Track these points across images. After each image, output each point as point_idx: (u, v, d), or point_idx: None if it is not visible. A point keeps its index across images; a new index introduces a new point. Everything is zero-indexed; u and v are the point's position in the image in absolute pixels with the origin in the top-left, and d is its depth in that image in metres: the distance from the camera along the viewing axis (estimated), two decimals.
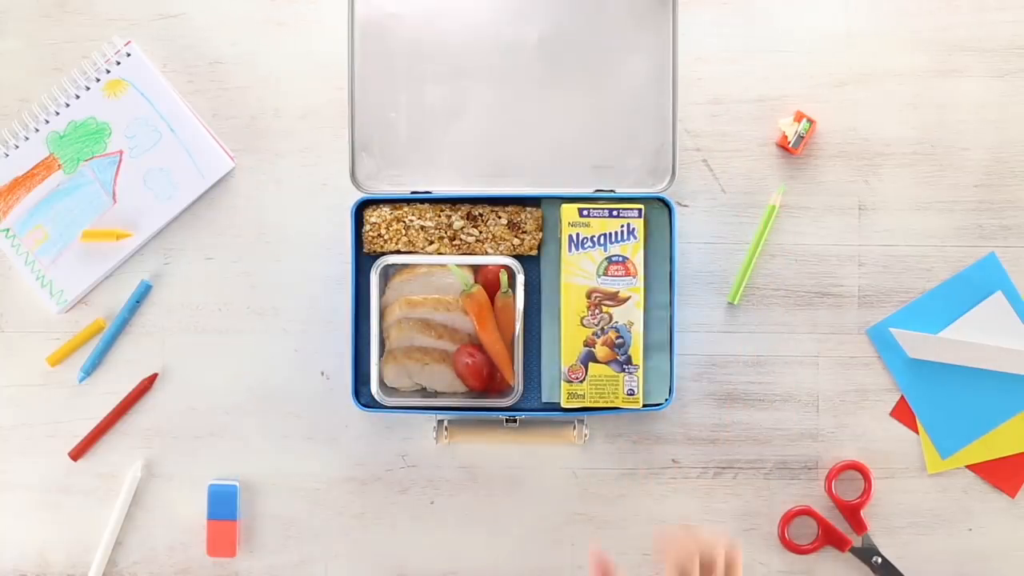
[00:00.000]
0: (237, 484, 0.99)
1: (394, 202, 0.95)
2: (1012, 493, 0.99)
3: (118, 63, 0.99)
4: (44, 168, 0.99)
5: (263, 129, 1.00)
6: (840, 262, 1.00)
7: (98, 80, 0.99)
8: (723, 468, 1.00)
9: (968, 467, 1.00)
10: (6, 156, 0.99)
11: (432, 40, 0.96)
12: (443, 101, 0.96)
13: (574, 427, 0.95)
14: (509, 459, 1.00)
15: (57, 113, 0.99)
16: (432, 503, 1.00)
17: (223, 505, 0.99)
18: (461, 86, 0.96)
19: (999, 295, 1.00)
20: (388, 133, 0.96)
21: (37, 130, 0.99)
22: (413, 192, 0.95)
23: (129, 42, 0.99)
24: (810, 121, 0.98)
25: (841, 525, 0.99)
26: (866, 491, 0.99)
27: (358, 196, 0.95)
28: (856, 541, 0.99)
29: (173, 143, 0.99)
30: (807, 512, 0.99)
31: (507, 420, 0.97)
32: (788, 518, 0.99)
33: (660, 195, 0.95)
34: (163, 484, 1.00)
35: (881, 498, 0.99)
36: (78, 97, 0.99)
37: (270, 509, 1.00)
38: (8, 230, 1.00)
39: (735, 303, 0.99)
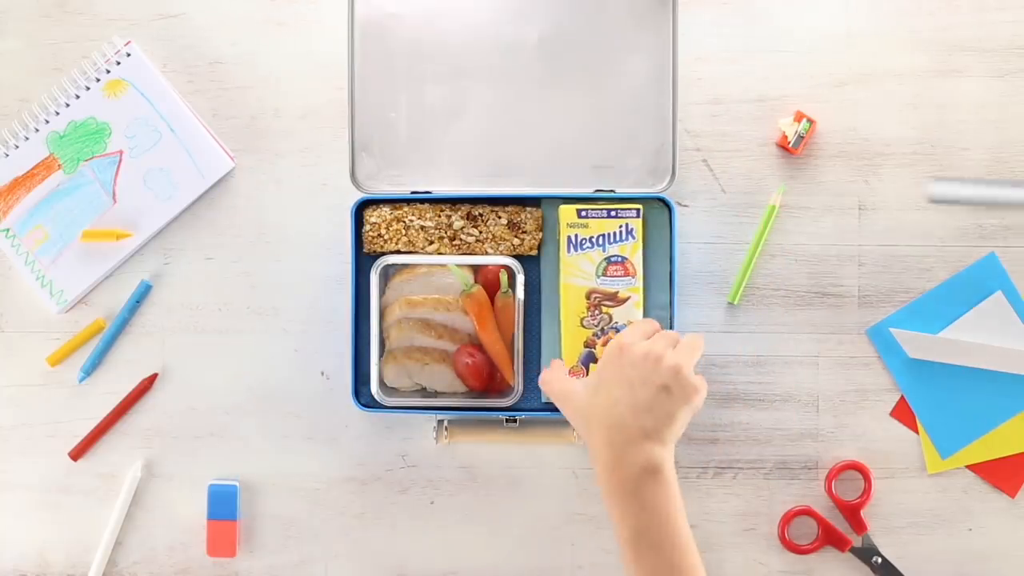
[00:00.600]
0: (237, 484, 0.99)
1: (394, 202, 0.95)
2: (1012, 493, 0.99)
3: (118, 63, 0.98)
4: (44, 168, 0.99)
5: (263, 129, 1.00)
6: (840, 262, 0.99)
7: (98, 80, 0.98)
8: (723, 468, 1.00)
9: (968, 467, 1.00)
10: (6, 156, 0.99)
11: (432, 40, 0.95)
12: (443, 101, 0.96)
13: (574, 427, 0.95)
14: (509, 459, 1.00)
15: (57, 113, 0.98)
16: (432, 503, 1.00)
17: (223, 505, 0.98)
18: (461, 86, 0.96)
19: (999, 295, 0.99)
20: (388, 133, 0.96)
21: (37, 130, 0.99)
22: (413, 192, 0.95)
23: (129, 42, 0.99)
24: (810, 121, 0.98)
25: (841, 525, 0.99)
26: (866, 491, 0.98)
27: (358, 196, 0.95)
28: (856, 541, 0.99)
29: (173, 143, 0.99)
30: (807, 512, 0.99)
31: (507, 420, 0.97)
32: (788, 518, 0.99)
33: (660, 195, 0.94)
34: (163, 484, 1.00)
35: (881, 498, 0.99)
36: (78, 97, 0.98)
37: (270, 509, 1.00)
38: (8, 230, 0.99)
39: (735, 303, 0.99)
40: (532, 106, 0.96)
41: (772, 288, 1.00)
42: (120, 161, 0.99)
